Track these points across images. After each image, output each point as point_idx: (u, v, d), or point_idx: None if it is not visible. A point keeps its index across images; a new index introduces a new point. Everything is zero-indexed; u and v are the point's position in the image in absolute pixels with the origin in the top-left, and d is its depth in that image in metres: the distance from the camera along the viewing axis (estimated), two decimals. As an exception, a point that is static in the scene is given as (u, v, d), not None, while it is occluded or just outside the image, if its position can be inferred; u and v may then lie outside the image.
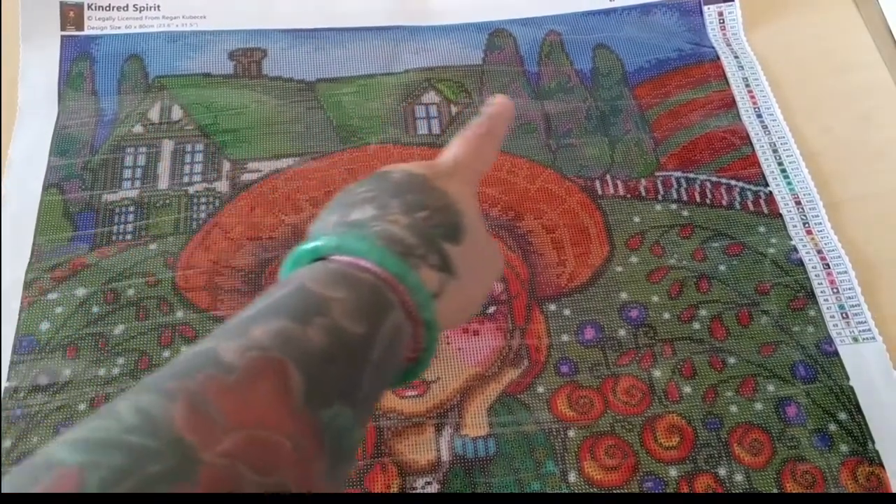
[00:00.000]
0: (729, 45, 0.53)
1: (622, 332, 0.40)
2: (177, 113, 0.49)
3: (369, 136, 0.48)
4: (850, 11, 0.54)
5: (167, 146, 0.47)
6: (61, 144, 0.47)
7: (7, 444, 0.36)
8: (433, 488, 0.35)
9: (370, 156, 0.47)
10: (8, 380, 0.38)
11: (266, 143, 0.47)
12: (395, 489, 0.35)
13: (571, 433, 0.37)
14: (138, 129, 0.48)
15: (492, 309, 0.41)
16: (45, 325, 0.40)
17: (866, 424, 0.37)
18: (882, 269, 0.43)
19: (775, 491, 0.35)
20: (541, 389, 0.38)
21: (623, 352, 0.39)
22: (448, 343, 0.39)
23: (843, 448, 0.36)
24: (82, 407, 0.37)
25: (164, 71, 0.50)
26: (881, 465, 0.36)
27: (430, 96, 0.50)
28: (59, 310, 0.40)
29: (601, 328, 0.40)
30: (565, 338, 0.40)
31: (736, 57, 0.52)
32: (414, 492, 0.35)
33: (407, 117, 0.49)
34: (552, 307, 0.41)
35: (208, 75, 0.50)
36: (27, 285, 0.41)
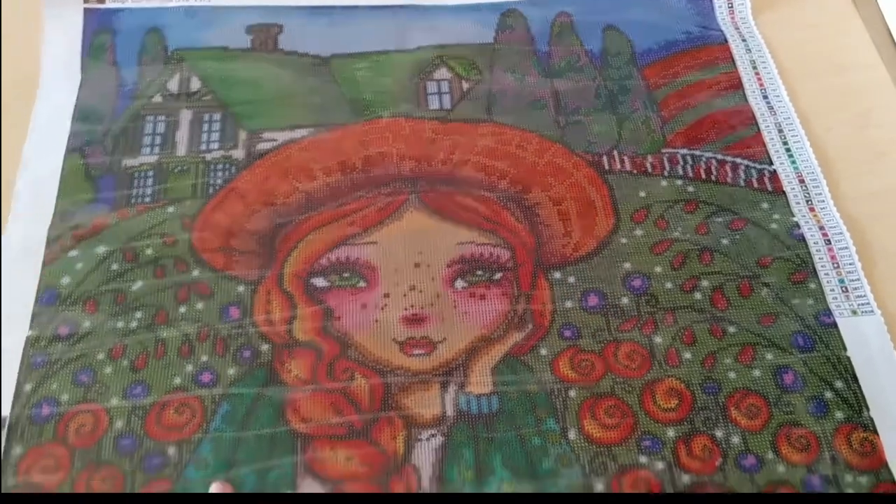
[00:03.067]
0: (737, 28, 0.53)
1: (625, 301, 0.41)
2: (195, 84, 0.50)
3: (382, 110, 0.49)
4: (849, 11, 0.54)
5: (185, 116, 0.48)
6: (83, 112, 0.48)
7: (28, 388, 0.37)
8: (438, 441, 0.36)
9: (382, 128, 0.48)
10: (30, 329, 0.39)
11: (281, 115, 0.49)
12: (400, 441, 0.36)
13: (572, 393, 0.38)
14: (158, 99, 0.49)
15: (498, 275, 0.42)
16: (65, 280, 0.41)
17: (862, 393, 0.38)
18: (881, 254, 0.43)
19: (770, 453, 0.36)
20: (544, 352, 0.39)
21: (625, 319, 0.40)
22: (455, 307, 0.40)
23: (838, 415, 0.37)
24: (101, 356, 0.39)
25: (183, 44, 0.52)
26: (875, 432, 0.37)
27: (442, 72, 0.51)
28: (79, 266, 0.41)
29: (604, 296, 0.41)
30: (569, 304, 0.41)
31: (744, 40, 0.53)
32: (419, 444, 0.36)
33: (419, 92, 0.50)
34: (557, 275, 0.42)
35: (226, 49, 0.52)
36: (49, 243, 0.42)
